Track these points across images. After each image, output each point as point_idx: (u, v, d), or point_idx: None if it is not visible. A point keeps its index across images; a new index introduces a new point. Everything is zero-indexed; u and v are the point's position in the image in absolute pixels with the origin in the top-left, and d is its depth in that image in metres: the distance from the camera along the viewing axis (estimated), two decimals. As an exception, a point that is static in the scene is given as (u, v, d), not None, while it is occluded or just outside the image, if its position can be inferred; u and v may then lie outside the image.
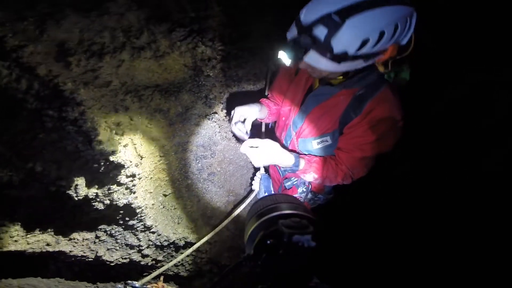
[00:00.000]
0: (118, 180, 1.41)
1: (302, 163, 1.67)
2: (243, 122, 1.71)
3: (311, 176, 1.69)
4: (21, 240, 1.53)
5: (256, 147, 1.56)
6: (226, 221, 1.82)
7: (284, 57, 1.28)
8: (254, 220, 1.03)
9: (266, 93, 2.02)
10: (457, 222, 2.00)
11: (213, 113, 1.72)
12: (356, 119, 1.54)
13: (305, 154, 1.74)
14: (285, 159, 1.62)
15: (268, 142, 1.58)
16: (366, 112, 1.51)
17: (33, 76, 1.11)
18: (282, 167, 1.81)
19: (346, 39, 1.17)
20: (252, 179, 2.20)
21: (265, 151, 1.56)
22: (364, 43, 1.17)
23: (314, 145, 1.72)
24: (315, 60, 1.26)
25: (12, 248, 1.54)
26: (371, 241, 2.39)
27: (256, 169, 2.13)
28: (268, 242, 0.94)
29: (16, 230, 1.48)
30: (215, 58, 1.63)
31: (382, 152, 1.61)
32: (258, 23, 1.97)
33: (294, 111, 1.77)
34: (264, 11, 1.49)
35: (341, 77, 1.51)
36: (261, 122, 2.03)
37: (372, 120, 1.50)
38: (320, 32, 1.18)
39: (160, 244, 1.88)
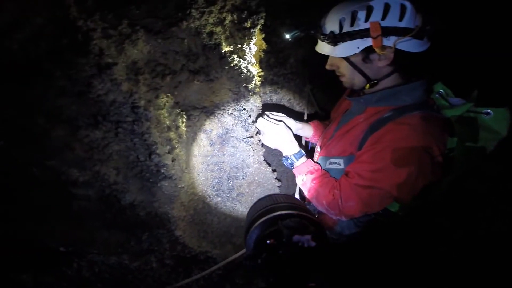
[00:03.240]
0: (163, 191, 1.66)
1: (303, 160, 1.74)
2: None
3: (300, 178, 1.73)
4: (60, 235, 1.76)
5: (270, 127, 1.74)
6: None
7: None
8: (254, 220, 1.12)
9: (305, 118, 2.22)
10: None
11: (249, 137, 1.94)
12: (368, 142, 1.49)
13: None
14: (289, 147, 1.76)
15: (282, 125, 1.77)
16: (379, 135, 1.46)
17: (117, 92, 1.37)
18: (284, 156, 1.82)
19: (329, 21, 1.47)
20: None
21: (275, 132, 1.74)
22: (341, 22, 1.43)
23: (326, 165, 1.71)
24: (320, 48, 1.55)
25: (50, 242, 1.77)
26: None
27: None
28: (268, 242, 1.02)
29: (61, 225, 1.72)
30: (256, 84, 1.84)
31: (390, 190, 1.45)
32: (296, 49, 2.20)
33: (331, 129, 1.85)
34: (301, 38, 1.72)
35: (368, 85, 1.57)
36: (302, 138, 2.16)
37: (382, 144, 1.43)
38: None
39: (183, 255, 2.07)
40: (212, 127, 1.81)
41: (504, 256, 2.02)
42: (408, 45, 1.40)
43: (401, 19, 1.37)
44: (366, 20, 1.38)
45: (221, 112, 1.80)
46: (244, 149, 1.98)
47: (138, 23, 1.43)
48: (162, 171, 1.58)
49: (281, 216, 1.09)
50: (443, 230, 2.13)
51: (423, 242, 2.15)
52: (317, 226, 1.10)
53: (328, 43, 1.47)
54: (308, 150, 2.20)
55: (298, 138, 1.88)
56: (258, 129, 1.88)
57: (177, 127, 1.66)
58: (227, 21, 1.68)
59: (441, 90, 1.58)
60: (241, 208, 2.21)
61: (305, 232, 1.02)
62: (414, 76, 1.55)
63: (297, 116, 2.11)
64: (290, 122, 1.93)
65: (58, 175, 1.48)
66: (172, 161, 1.62)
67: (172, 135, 1.62)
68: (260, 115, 1.89)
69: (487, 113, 1.47)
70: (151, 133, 1.49)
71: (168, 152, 1.60)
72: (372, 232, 1.76)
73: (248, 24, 1.74)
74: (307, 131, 2.07)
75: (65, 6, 1.23)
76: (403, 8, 1.37)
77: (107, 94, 1.35)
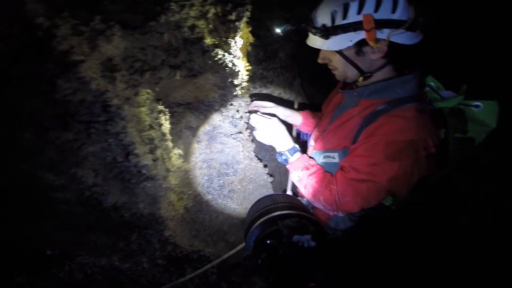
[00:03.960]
0: (146, 191, 1.58)
1: (298, 155, 1.70)
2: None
3: (296, 174, 1.68)
4: (44, 239, 1.69)
5: (263, 122, 1.70)
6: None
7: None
8: (254, 220, 1.09)
9: (296, 107, 2.20)
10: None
11: (237, 132, 1.86)
12: (362, 135, 1.48)
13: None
14: (282, 143, 1.71)
15: (275, 120, 1.73)
16: (374, 128, 1.45)
17: (86, 90, 1.29)
18: (277, 152, 1.77)
19: (321, 14, 1.44)
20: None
21: (268, 127, 1.70)
22: (333, 14, 1.39)
23: (320, 159, 1.69)
24: (312, 41, 1.52)
25: (37, 247, 1.70)
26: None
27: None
28: (268, 242, 1.00)
29: (43, 229, 1.65)
30: (243, 78, 1.76)
31: (386, 184, 1.43)
32: (285, 43, 2.13)
33: (324, 122, 1.82)
34: (292, 31, 1.65)
35: (361, 78, 1.56)
36: (293, 127, 2.12)
37: (377, 137, 1.42)
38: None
39: (175, 255, 2.01)
40: (198, 124, 1.73)
41: (492, 248, 2.02)
42: (402, 37, 1.39)
43: (393, 11, 1.35)
44: (359, 13, 1.35)
45: (207, 108, 1.72)
46: (233, 145, 1.91)
47: (113, 18, 1.34)
48: (143, 171, 1.50)
49: (281, 216, 1.07)
50: (434, 222, 2.11)
51: (416, 235, 2.12)
52: (317, 226, 1.06)
53: (320, 36, 1.45)
54: (297, 137, 2.20)
55: (288, 126, 1.85)
56: (251, 125, 1.82)
57: (160, 125, 1.58)
58: (210, 14, 1.59)
59: (432, 83, 1.57)
60: (234, 205, 2.16)
61: (305, 232, 1.00)
62: (406, 69, 1.55)
63: (287, 104, 2.07)
64: (279, 109, 1.93)
65: (31, 179, 1.40)
66: (154, 160, 1.53)
67: (154, 133, 1.54)
68: (253, 111, 1.84)
69: (477, 106, 1.46)
70: (127, 132, 1.40)
71: (150, 152, 1.52)
72: (366, 226, 1.76)
73: (233, 17, 1.66)
74: (296, 118, 2.04)
75: (21, 2, 1.14)
76: (395, 0, 1.35)
77: (75, 94, 1.26)
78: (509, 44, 2.07)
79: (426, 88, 1.57)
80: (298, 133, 2.22)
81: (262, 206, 1.17)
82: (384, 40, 1.37)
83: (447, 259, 2.07)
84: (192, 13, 1.54)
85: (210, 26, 1.62)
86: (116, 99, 1.34)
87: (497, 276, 1.91)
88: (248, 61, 1.82)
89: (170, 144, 1.66)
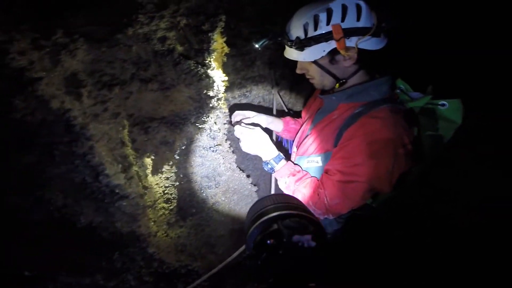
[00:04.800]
0: (122, 210, 1.50)
1: (283, 163, 1.69)
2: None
3: (283, 181, 1.68)
4: (20, 260, 1.61)
5: (247, 133, 1.69)
6: (236, 253, 1.92)
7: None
8: (254, 220, 1.06)
9: (274, 113, 2.20)
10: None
11: (217, 145, 1.79)
12: (343, 137, 1.50)
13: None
14: (267, 152, 1.70)
15: (259, 130, 1.71)
16: (354, 129, 1.47)
17: (46, 110, 1.21)
18: (263, 161, 1.76)
19: (294, 27, 1.47)
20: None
21: (253, 138, 1.68)
22: (305, 27, 1.43)
23: (304, 164, 1.71)
24: (288, 53, 1.56)
25: (13, 269, 1.62)
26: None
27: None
28: (268, 242, 0.97)
29: (17, 250, 1.56)
30: (219, 89, 1.70)
31: (371, 183, 1.46)
32: (262, 51, 2.07)
33: (305, 128, 1.82)
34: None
35: (337, 84, 1.61)
36: (273, 132, 2.13)
37: (358, 138, 1.45)
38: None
39: (161, 271, 1.93)
40: (175, 138, 1.65)
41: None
42: (368, 43, 1.43)
43: (358, 19, 1.39)
44: (328, 23, 1.40)
45: (183, 122, 1.65)
46: (213, 158, 1.84)
47: (76, 31, 1.27)
48: (117, 191, 1.43)
49: (281, 216, 1.03)
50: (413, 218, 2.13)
51: (397, 231, 2.23)
52: (317, 226, 1.02)
53: (296, 48, 1.48)
54: (277, 142, 2.22)
55: (268, 132, 1.83)
56: (236, 136, 1.80)
57: (134, 141, 1.50)
58: (181, 25, 1.52)
59: (401, 86, 1.61)
60: (219, 217, 2.09)
61: (305, 232, 0.96)
62: (377, 73, 1.62)
63: (267, 112, 2.07)
64: (261, 117, 1.94)
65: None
66: (128, 179, 1.45)
67: (127, 150, 1.46)
68: (236, 122, 1.82)
69: (443, 105, 1.52)
70: (95, 153, 1.32)
71: (123, 171, 1.43)
72: (352, 226, 1.82)
73: (206, 27, 1.60)
74: (277, 125, 2.05)
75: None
76: (358, 8, 1.39)
77: (33, 114, 1.18)
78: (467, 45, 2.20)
79: (397, 90, 1.62)
80: (279, 139, 2.23)
81: (262, 206, 1.13)
82: (353, 47, 1.42)
83: (432, 254, 2.16)
84: (162, 25, 1.48)
85: (182, 37, 1.55)
86: (82, 117, 1.26)
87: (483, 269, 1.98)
88: (225, 71, 1.76)
89: (146, 160, 1.58)
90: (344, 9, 1.38)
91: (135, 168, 1.50)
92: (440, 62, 2.21)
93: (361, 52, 1.43)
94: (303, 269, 1.00)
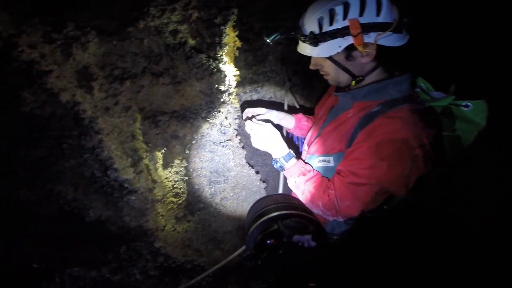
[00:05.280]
0: (131, 205, 1.48)
1: (293, 161, 1.64)
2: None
3: (293, 180, 1.63)
4: (28, 253, 1.60)
5: (258, 129, 1.64)
6: (237, 252, 1.88)
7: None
8: (254, 220, 1.05)
9: (285, 108, 2.15)
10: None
11: (227, 140, 1.77)
12: (358, 137, 1.43)
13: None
14: (278, 149, 1.64)
15: (270, 126, 1.66)
16: (370, 129, 1.40)
17: (56, 103, 1.19)
18: (273, 159, 1.71)
19: (308, 21, 1.39)
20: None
21: (263, 133, 1.63)
22: (320, 21, 1.35)
23: (315, 163, 1.64)
24: (302, 49, 1.47)
25: (21, 261, 1.62)
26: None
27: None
28: (269, 242, 0.97)
29: (26, 244, 1.56)
30: (230, 84, 1.67)
31: (385, 186, 1.41)
32: (274, 46, 2.04)
33: (317, 126, 1.76)
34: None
35: (353, 82, 1.52)
36: (283, 128, 2.06)
37: (374, 139, 1.37)
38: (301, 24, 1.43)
39: (167, 265, 1.92)
40: (185, 133, 1.63)
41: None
42: (389, 40, 1.35)
43: (378, 14, 1.31)
44: (345, 18, 1.31)
45: (194, 116, 1.62)
46: (223, 153, 1.81)
47: (87, 24, 1.24)
48: (125, 185, 1.40)
49: (281, 216, 1.04)
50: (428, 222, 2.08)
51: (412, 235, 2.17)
52: (317, 226, 1.01)
53: (310, 44, 1.40)
54: (288, 139, 2.14)
55: (278, 128, 1.78)
56: (247, 132, 1.75)
57: (144, 135, 1.48)
58: (193, 18, 1.49)
59: (422, 85, 1.52)
60: (227, 212, 2.06)
61: (305, 232, 0.97)
62: (397, 70, 1.53)
63: (279, 108, 2.00)
64: (273, 113, 1.87)
65: (5, 195, 1.30)
66: (137, 173, 1.43)
67: (138, 144, 1.44)
68: (247, 118, 1.77)
69: (467, 106, 1.44)
70: (104, 146, 1.30)
71: (132, 165, 1.41)
72: (361, 228, 1.76)
73: (218, 21, 1.57)
74: (289, 121, 1.98)
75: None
76: (378, 3, 1.31)
77: (43, 107, 1.15)
78: (493, 43, 2.05)
79: (417, 89, 1.52)
80: (289, 136, 2.16)
81: (262, 206, 1.13)
82: (372, 43, 1.33)
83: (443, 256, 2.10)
84: (174, 18, 1.46)
85: (194, 30, 1.52)
86: (91, 110, 1.23)
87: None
88: (237, 66, 1.73)
89: (156, 154, 1.56)
90: (363, 3, 1.30)
91: (145, 161, 1.48)
92: (461, 60, 2.06)
93: (380, 48, 1.35)
94: (303, 269, 0.99)
